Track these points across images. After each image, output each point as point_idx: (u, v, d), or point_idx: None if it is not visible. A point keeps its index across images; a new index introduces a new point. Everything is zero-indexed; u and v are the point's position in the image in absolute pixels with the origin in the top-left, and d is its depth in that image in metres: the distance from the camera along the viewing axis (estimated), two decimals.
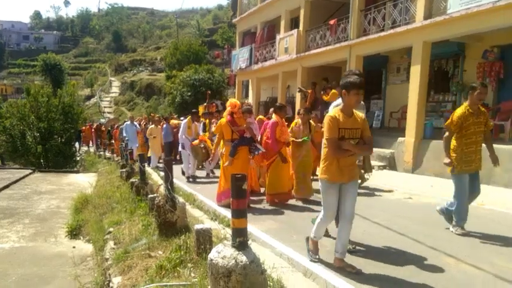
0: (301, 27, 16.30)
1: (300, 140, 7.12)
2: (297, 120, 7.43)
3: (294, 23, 17.81)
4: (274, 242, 4.76)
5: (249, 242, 4.27)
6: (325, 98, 13.90)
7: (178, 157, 13.85)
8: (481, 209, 6.59)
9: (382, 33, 12.13)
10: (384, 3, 12.70)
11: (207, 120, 11.86)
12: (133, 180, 7.86)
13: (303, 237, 4.90)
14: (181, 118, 15.47)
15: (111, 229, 6.02)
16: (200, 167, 11.18)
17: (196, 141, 9.66)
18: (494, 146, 8.88)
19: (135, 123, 15.25)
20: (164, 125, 13.33)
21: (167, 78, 34.92)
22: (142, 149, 13.95)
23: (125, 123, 15.48)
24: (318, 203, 6.71)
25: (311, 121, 7.56)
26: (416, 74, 11.03)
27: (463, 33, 10.19)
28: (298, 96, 16.07)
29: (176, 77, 29.03)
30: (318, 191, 6.96)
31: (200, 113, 13.08)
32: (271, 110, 8.17)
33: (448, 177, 7.04)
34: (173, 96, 27.64)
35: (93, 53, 70.25)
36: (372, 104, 14.97)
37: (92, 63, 64.78)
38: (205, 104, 12.74)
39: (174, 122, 14.27)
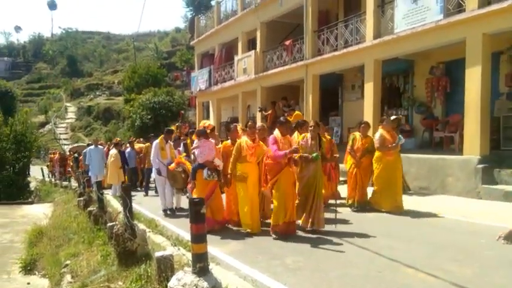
0: (258, 48, 16.63)
1: (309, 155, 6.01)
2: (305, 133, 6.37)
3: (251, 44, 18.13)
4: (239, 264, 4.71)
5: (213, 265, 4.22)
6: (288, 119, 14.14)
7: (139, 183, 13.33)
8: (436, 218, 6.85)
9: (336, 53, 12.60)
10: (336, 24, 13.25)
11: (189, 140, 9.58)
12: (91, 208, 7.60)
13: (268, 258, 4.90)
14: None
15: (68, 262, 5.76)
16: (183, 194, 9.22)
17: (172, 165, 8.14)
18: (445, 156, 9.38)
19: (100, 147, 13.65)
20: (127, 150, 12.89)
21: (126, 101, 34.30)
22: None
23: (88, 147, 13.82)
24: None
25: (322, 135, 6.80)
26: (369, 90, 11.50)
27: (410, 50, 10.76)
28: (259, 116, 16.24)
29: (135, 101, 28.61)
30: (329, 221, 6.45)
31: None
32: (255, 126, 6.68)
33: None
34: (132, 120, 27.16)
35: (47, 79, 67.86)
36: (330, 120, 15.36)
37: (45, 89, 62.47)
38: (177, 124, 12.23)
39: (139, 145, 13.59)
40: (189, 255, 3.71)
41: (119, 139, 15.67)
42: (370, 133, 8.28)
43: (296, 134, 7.05)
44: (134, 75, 35.81)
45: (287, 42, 14.98)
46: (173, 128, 11.15)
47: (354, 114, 13.71)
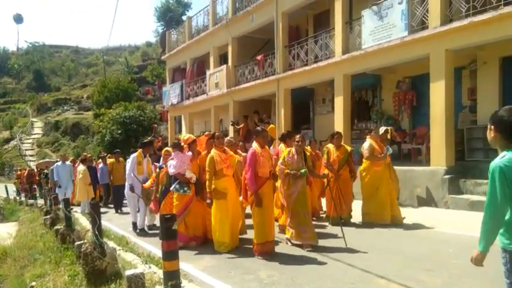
0: (230, 63, 16.73)
1: (298, 172, 5.78)
2: (290, 148, 6.07)
3: (222, 59, 18.23)
4: (212, 280, 4.64)
5: (186, 282, 4.15)
6: (264, 128, 14.19)
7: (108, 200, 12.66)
8: (408, 229, 6.99)
9: (306, 68, 12.84)
10: (306, 40, 13.53)
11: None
12: (58, 227, 7.31)
13: (241, 273, 4.86)
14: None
15: (33, 283, 5.49)
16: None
17: (148, 183, 7.64)
18: (413, 168, 9.63)
19: (68, 163, 12.94)
20: (100, 165, 12.49)
21: (95, 116, 33.64)
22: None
23: (56, 164, 13.01)
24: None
25: (306, 149, 6.51)
26: (339, 104, 11.75)
27: (377, 66, 11.09)
28: (231, 130, 16.25)
29: (105, 115, 28.08)
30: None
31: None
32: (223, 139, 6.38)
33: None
34: (102, 135, 26.61)
35: (12, 93, 65.77)
36: (302, 134, 15.52)
37: (10, 104, 60.59)
38: (150, 138, 11.86)
39: (111, 161, 13.07)
40: (161, 273, 3.63)
41: (89, 155, 15.18)
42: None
43: (282, 145, 6.95)
44: (104, 90, 35.27)
45: (258, 57, 15.15)
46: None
47: (325, 127, 13.93)
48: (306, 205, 5.90)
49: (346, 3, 11.79)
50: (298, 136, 6.12)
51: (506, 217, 2.30)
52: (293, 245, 5.96)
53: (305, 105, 15.75)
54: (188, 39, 20.34)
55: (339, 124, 11.72)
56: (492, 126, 2.38)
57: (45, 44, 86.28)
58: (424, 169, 9.42)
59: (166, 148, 7.21)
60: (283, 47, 13.92)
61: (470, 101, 10.66)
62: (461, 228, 6.82)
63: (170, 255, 2.66)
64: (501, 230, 2.34)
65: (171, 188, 6.36)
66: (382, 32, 10.30)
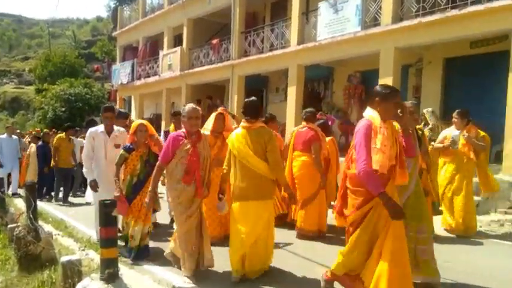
0: (184, 45, 16.35)
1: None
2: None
3: (177, 40, 17.78)
4: (154, 267, 4.54)
5: (127, 269, 4.04)
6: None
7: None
8: None
9: (262, 55, 12.83)
10: (263, 27, 13.48)
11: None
12: None
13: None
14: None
15: None
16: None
17: None
18: None
19: (15, 137, 10.84)
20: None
21: (37, 91, 31.80)
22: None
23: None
24: None
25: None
26: (292, 94, 11.88)
27: (330, 58, 11.29)
28: None
29: (48, 91, 26.59)
30: None
31: None
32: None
33: None
34: (44, 112, 25.20)
35: None
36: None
37: None
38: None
39: (60, 136, 11.43)
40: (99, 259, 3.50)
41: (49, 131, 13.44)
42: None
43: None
44: (48, 64, 33.44)
45: (214, 41, 14.92)
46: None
47: (278, 116, 14.00)
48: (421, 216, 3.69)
49: None
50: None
51: None
52: None
53: (258, 93, 15.75)
54: (142, 17, 19.61)
55: (291, 114, 11.86)
56: None
57: None
58: None
59: (140, 121, 4.97)
60: (240, 32, 13.78)
61: (414, 98, 11.12)
62: None
63: (108, 242, 2.56)
64: None
65: None
66: (336, 25, 10.46)
